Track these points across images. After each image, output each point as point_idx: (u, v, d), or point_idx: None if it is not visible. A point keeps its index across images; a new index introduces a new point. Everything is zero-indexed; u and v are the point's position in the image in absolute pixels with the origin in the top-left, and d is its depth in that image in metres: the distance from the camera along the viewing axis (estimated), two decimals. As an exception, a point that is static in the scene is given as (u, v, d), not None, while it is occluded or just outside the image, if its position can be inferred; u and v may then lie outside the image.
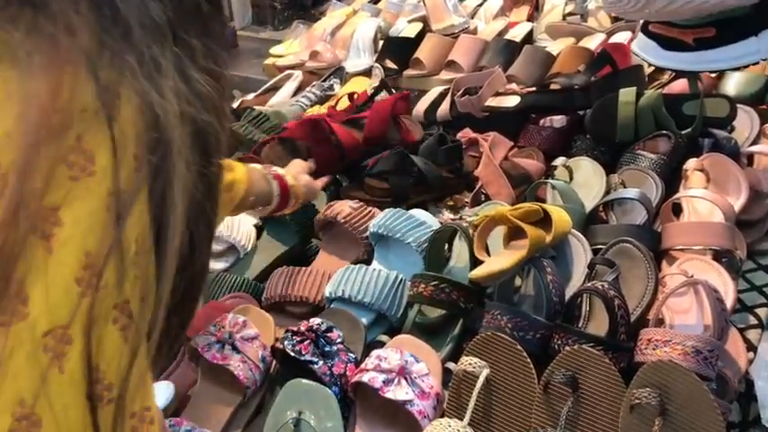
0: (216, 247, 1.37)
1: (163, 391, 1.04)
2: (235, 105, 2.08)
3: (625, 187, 1.35)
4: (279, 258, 1.38)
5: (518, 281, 1.18)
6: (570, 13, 2.10)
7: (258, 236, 1.45)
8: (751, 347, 1.16)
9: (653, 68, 1.78)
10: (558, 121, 1.64)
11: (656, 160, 1.41)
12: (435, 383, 0.99)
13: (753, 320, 1.22)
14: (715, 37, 0.79)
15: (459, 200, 1.51)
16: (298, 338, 1.04)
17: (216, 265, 1.37)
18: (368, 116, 1.57)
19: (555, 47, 1.93)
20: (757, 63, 0.98)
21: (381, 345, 1.10)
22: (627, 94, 1.48)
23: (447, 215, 1.46)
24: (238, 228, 1.40)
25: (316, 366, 1.01)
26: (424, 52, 2.04)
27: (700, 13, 0.78)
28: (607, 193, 1.36)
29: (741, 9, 0.77)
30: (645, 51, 0.87)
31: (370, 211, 1.37)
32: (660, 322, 1.06)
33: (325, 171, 1.47)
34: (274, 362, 1.10)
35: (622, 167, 1.42)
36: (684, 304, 1.06)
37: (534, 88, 1.70)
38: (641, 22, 0.86)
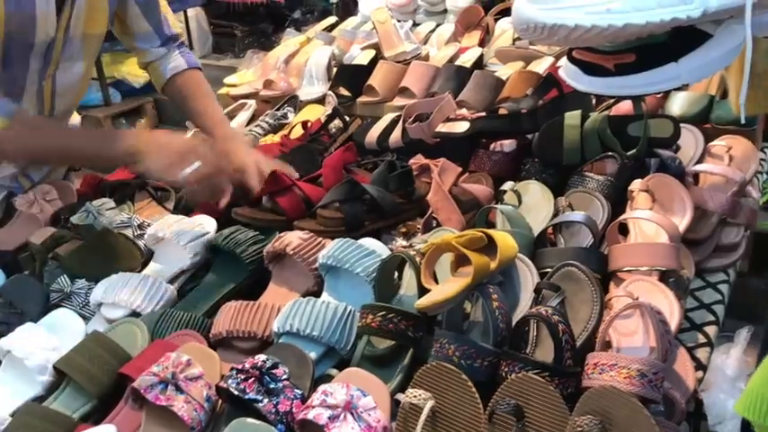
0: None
1: (104, 436, 1.02)
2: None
3: (573, 210, 1.36)
4: (228, 292, 1.36)
5: (468, 307, 1.18)
6: (519, 38, 2.13)
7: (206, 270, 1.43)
8: (700, 366, 1.17)
9: (600, 90, 1.81)
10: (508, 145, 1.66)
11: (604, 182, 1.43)
12: (383, 417, 0.98)
13: (702, 339, 1.23)
14: (635, 62, 0.80)
15: (413, 226, 1.50)
16: (242, 376, 1.02)
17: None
18: (323, 173, 1.57)
19: (504, 71, 1.95)
20: (679, 88, 1.00)
21: (330, 379, 1.09)
22: (572, 117, 1.50)
23: (400, 242, 1.45)
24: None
25: (260, 405, 0.99)
26: (376, 79, 2.05)
27: (615, 40, 0.79)
28: (555, 215, 1.36)
29: (658, 36, 0.78)
30: (569, 76, 0.88)
31: (321, 242, 1.36)
32: (607, 345, 1.06)
33: (295, 217, 1.49)
34: (219, 401, 1.08)
35: (570, 189, 1.44)
36: (631, 326, 1.07)
37: (483, 113, 1.71)
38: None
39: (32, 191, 1.70)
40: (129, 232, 1.51)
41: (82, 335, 1.28)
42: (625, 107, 1.68)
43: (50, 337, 1.24)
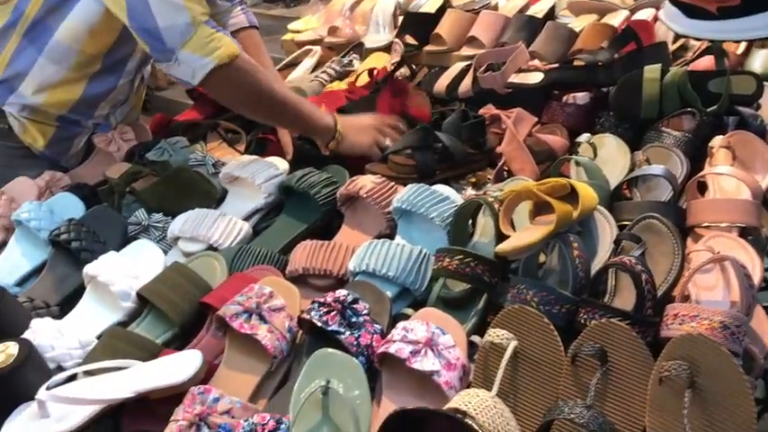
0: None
1: (191, 360, 1.05)
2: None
3: (650, 164, 1.34)
4: (302, 232, 1.39)
5: (542, 257, 1.18)
6: (593, -10, 2.07)
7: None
8: (775, 325, 1.16)
9: (677, 46, 1.77)
10: (582, 98, 1.63)
11: (681, 138, 1.40)
12: (462, 355, 1.00)
13: (777, 298, 1.22)
14: (740, 6, 0.78)
15: (482, 176, 1.50)
16: (324, 309, 1.05)
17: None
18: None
19: (577, 23, 1.91)
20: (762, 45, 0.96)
21: (406, 318, 1.11)
22: (652, 71, 1.47)
23: (470, 192, 1.46)
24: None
25: (342, 337, 1.02)
26: (444, 28, 2.02)
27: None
28: (631, 170, 1.35)
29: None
30: (669, 19, 0.86)
31: (394, 187, 1.37)
32: (686, 299, 1.06)
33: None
34: (300, 332, 1.11)
35: (646, 145, 1.41)
36: (711, 281, 1.06)
37: (557, 65, 1.69)
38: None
39: (110, 130, 1.74)
40: (203, 170, 1.54)
41: (161, 265, 1.32)
42: (703, 63, 1.64)
43: (133, 266, 1.28)
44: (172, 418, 0.98)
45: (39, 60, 1.56)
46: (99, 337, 1.18)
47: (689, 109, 1.44)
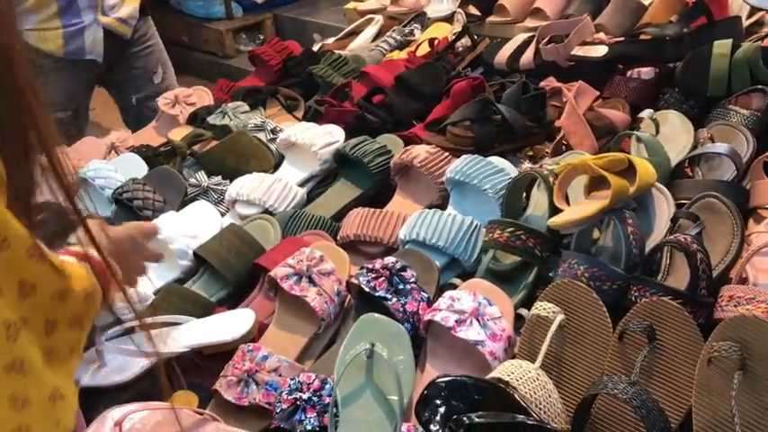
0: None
1: (244, 319, 1.09)
2: (315, 48, 2.09)
3: (714, 142, 1.30)
4: (354, 200, 1.40)
5: (595, 233, 1.16)
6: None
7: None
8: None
9: (752, 21, 1.70)
10: (646, 72, 1.59)
11: (749, 116, 1.35)
12: (507, 327, 1.00)
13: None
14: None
15: (540, 150, 1.48)
16: (373, 275, 1.06)
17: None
18: (451, 101, 1.55)
19: (647, -4, 1.85)
20: None
21: (454, 287, 1.11)
22: (722, 46, 1.41)
23: (526, 165, 1.44)
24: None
25: (389, 303, 1.03)
26: (508, -1, 1.99)
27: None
28: (694, 148, 1.31)
29: None
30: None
31: (447, 157, 1.37)
32: (744, 281, 1.03)
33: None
34: (348, 297, 1.13)
35: (712, 123, 1.37)
36: (771, 263, 1.03)
37: (623, 38, 1.64)
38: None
39: (173, 92, 1.78)
40: (262, 135, 1.57)
41: (218, 226, 1.35)
42: (778, 40, 1.57)
43: (191, 226, 1.32)
44: (222, 373, 1.02)
45: None
46: (156, 293, 1.22)
47: (759, 87, 1.39)
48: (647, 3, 1.78)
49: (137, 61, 2.12)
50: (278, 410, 0.94)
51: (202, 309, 1.16)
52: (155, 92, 2.04)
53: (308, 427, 0.92)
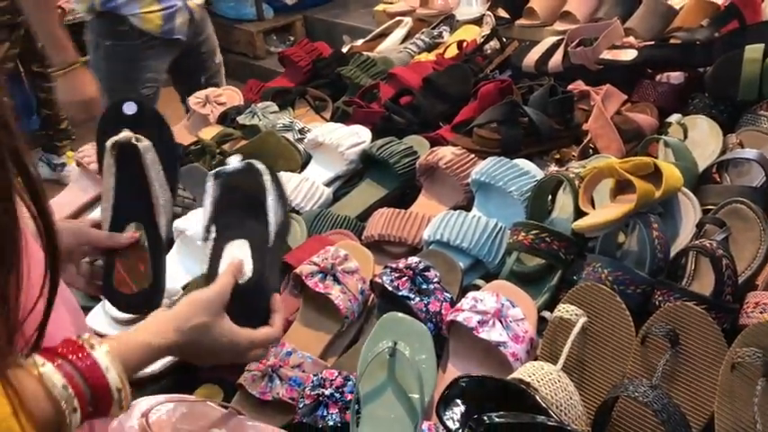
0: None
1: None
2: (344, 50, 2.11)
3: (743, 148, 1.28)
4: (380, 200, 1.41)
5: (621, 237, 1.16)
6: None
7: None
8: None
9: (785, 26, 1.68)
10: (675, 77, 1.58)
11: (781, 122, 1.34)
12: (530, 329, 1.00)
13: None
14: None
15: (567, 153, 1.48)
16: (396, 275, 1.07)
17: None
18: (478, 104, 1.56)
19: (676, 0, 1.83)
20: None
21: (477, 289, 1.12)
22: (754, 51, 1.39)
23: (553, 168, 1.44)
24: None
25: (412, 302, 1.04)
26: (538, 2, 1.99)
27: None
28: (723, 153, 1.30)
29: None
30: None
31: (473, 159, 1.37)
32: (770, 288, 1.02)
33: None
34: (372, 296, 1.14)
35: (741, 128, 1.36)
36: (799, 271, 1.02)
37: (652, 42, 1.63)
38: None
39: (204, 92, 1.81)
40: (290, 135, 1.59)
41: (246, 224, 1.37)
42: (813, 45, 1.55)
43: (219, 223, 1.34)
44: (246, 367, 1.03)
45: None
46: (185, 288, 1.25)
47: (791, 92, 1.37)
48: (678, 7, 1.76)
49: (204, 43, 2.27)
50: (301, 406, 0.96)
51: (229, 304, 1.18)
52: (216, 71, 2.31)
53: (330, 423, 0.94)
